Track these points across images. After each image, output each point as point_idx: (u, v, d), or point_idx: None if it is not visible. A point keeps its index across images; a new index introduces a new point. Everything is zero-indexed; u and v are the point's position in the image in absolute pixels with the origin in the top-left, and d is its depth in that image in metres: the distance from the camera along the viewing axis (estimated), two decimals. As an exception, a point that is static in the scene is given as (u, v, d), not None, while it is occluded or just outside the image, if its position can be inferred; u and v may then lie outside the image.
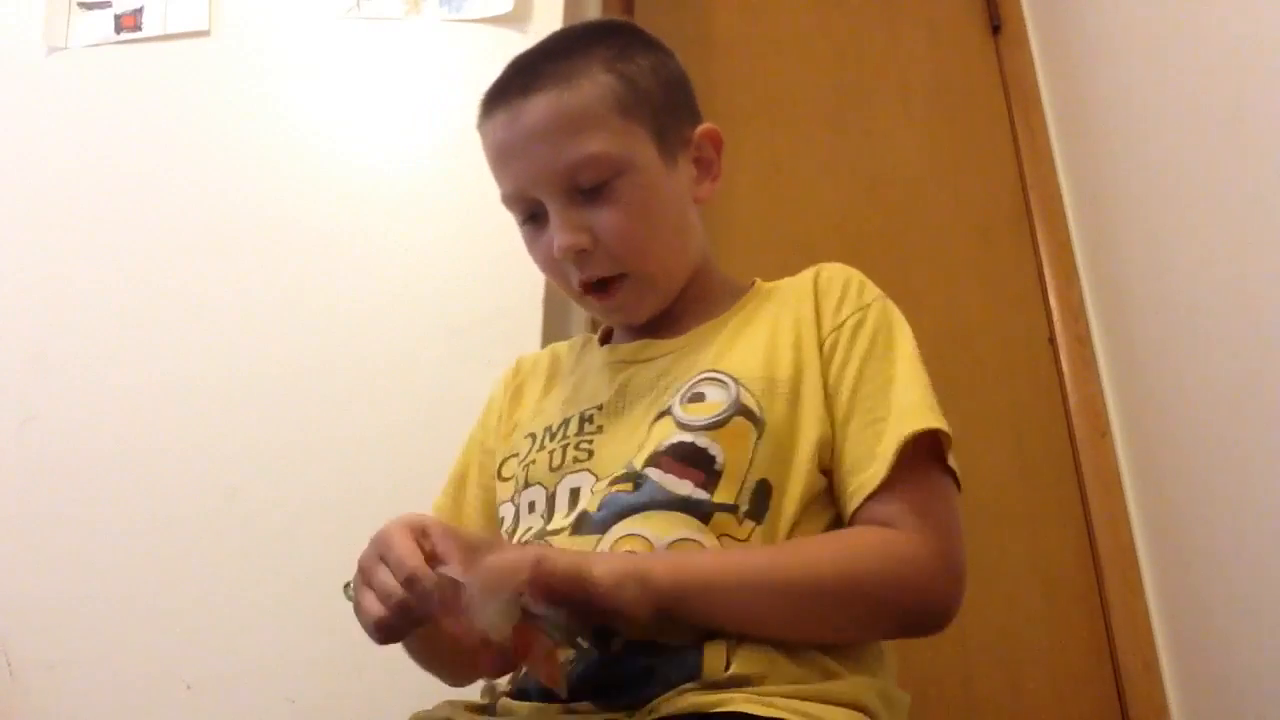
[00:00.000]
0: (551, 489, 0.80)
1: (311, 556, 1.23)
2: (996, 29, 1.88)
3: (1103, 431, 1.52)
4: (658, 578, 0.65)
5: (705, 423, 0.75)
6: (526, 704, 0.69)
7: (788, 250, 1.66)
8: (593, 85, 0.80)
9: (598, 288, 0.83)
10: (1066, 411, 1.57)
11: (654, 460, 0.74)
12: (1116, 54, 1.50)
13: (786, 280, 0.89)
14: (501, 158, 0.84)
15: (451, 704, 0.73)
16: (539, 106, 0.80)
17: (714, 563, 0.69)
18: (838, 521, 0.76)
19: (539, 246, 0.84)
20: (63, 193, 1.46)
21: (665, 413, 0.77)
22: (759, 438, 0.74)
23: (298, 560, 1.24)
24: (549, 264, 0.84)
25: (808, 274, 0.86)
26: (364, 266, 1.38)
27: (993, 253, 1.71)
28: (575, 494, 0.78)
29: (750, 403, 0.76)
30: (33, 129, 1.50)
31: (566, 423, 0.83)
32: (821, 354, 0.79)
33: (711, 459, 0.73)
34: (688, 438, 0.74)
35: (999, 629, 1.41)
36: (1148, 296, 1.41)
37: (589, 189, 0.79)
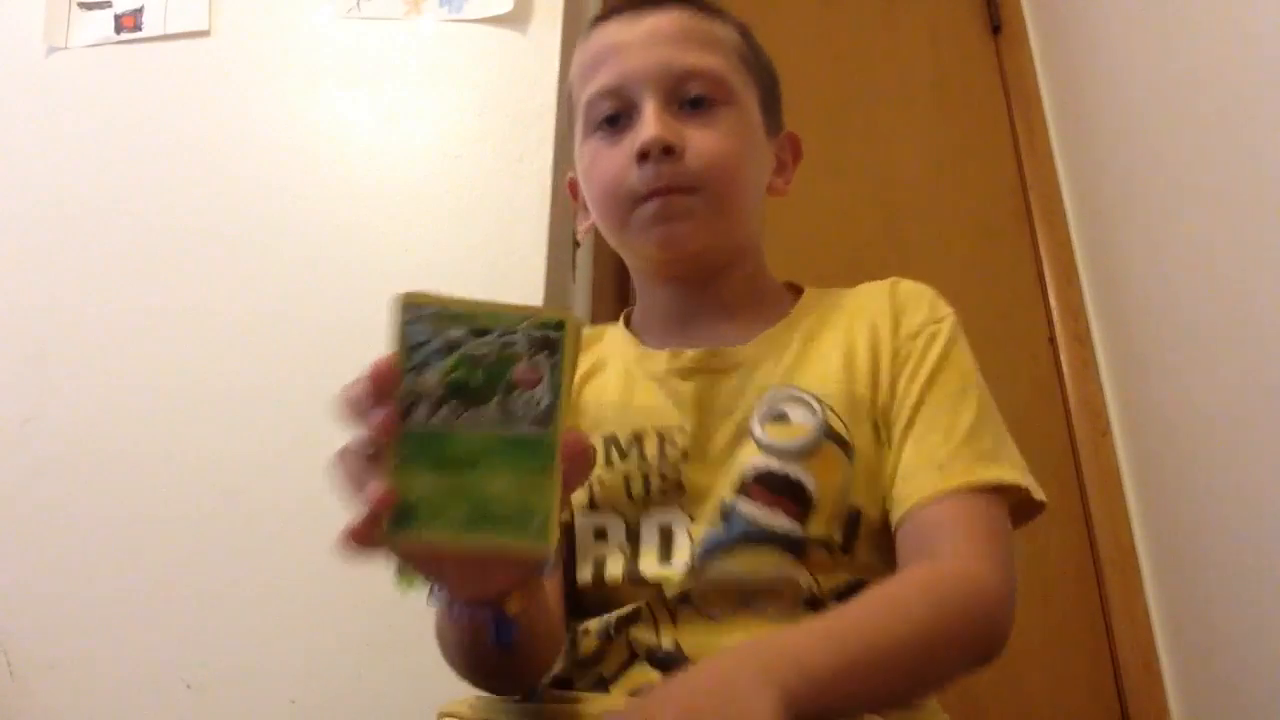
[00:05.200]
0: (634, 523, 0.73)
1: (312, 556, 1.23)
2: (996, 29, 1.89)
3: (1103, 431, 1.52)
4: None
5: (793, 448, 0.71)
6: (571, 693, 0.68)
7: (788, 250, 1.65)
8: (724, 29, 0.81)
9: (665, 193, 0.76)
10: (1066, 411, 1.57)
11: (742, 489, 0.70)
12: (1116, 54, 1.50)
13: (853, 291, 0.84)
14: (607, 54, 0.79)
15: (484, 699, 0.69)
16: (672, 16, 0.79)
17: (838, 674, 0.55)
18: None
19: (611, 152, 0.78)
20: (63, 192, 1.46)
21: (747, 434, 0.73)
22: (850, 464, 0.71)
23: (298, 560, 1.24)
24: (616, 171, 0.77)
25: (882, 286, 0.82)
26: (364, 266, 1.38)
27: (993, 253, 1.71)
28: (667, 534, 0.72)
29: (837, 426, 0.72)
30: (33, 129, 1.50)
31: (639, 440, 0.75)
32: (895, 366, 0.76)
33: (802, 488, 0.70)
34: (776, 465, 0.70)
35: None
36: (1148, 296, 1.41)
37: (693, 101, 0.77)
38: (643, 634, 0.70)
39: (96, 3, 1.54)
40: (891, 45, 1.89)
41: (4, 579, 1.28)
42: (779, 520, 0.68)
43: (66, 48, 1.53)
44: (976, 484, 0.68)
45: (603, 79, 0.78)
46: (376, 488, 0.46)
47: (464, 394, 0.47)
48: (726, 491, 0.70)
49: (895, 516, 0.70)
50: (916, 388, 0.74)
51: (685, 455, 0.74)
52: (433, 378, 0.47)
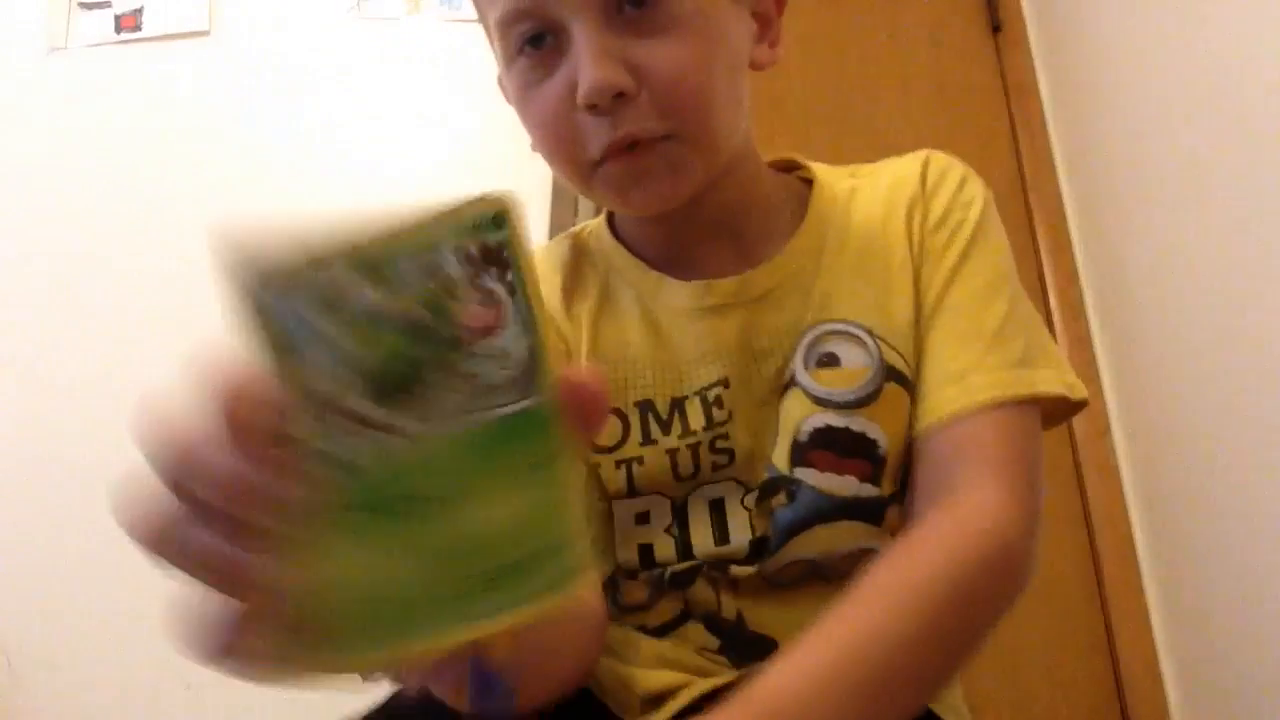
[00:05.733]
0: (680, 500, 0.63)
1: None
2: (996, 29, 1.88)
3: (1102, 431, 1.52)
4: None
5: (852, 398, 0.60)
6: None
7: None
8: None
9: (628, 151, 0.57)
10: (1067, 411, 1.57)
11: (801, 457, 0.60)
12: (1116, 54, 1.50)
13: (878, 174, 0.70)
14: None
15: None
16: None
17: (854, 712, 0.48)
18: None
19: (544, 91, 0.58)
20: (63, 192, 1.46)
21: (790, 383, 0.61)
22: (913, 403, 0.61)
23: (298, 560, 1.24)
24: (556, 119, 0.59)
25: (912, 168, 0.68)
26: (364, 266, 1.38)
27: (993, 253, 1.71)
28: (719, 508, 0.62)
29: (896, 361, 0.61)
30: (33, 129, 1.50)
31: (680, 409, 0.63)
32: (918, 261, 0.64)
33: (873, 443, 0.59)
34: (837, 420, 0.60)
35: (999, 628, 1.41)
36: (1148, 296, 1.41)
37: (635, 6, 0.56)
38: (701, 595, 0.62)
39: (96, 3, 1.54)
40: (891, 45, 1.89)
41: (4, 579, 1.28)
42: (851, 485, 0.59)
43: (66, 48, 1.53)
44: (1001, 399, 0.58)
45: None
46: (283, 575, 0.28)
47: (398, 382, 0.28)
48: (781, 459, 0.60)
49: (915, 442, 0.60)
50: (935, 289, 0.62)
51: (731, 415, 0.62)
52: (337, 376, 0.27)
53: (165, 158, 1.47)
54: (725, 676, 0.59)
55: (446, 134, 1.44)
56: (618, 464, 0.62)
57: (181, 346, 1.31)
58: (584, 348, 0.65)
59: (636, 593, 0.63)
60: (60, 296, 1.41)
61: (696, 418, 0.62)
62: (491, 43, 0.66)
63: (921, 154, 0.69)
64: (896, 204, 0.66)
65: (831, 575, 0.60)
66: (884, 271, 0.64)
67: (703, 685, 0.59)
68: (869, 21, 1.91)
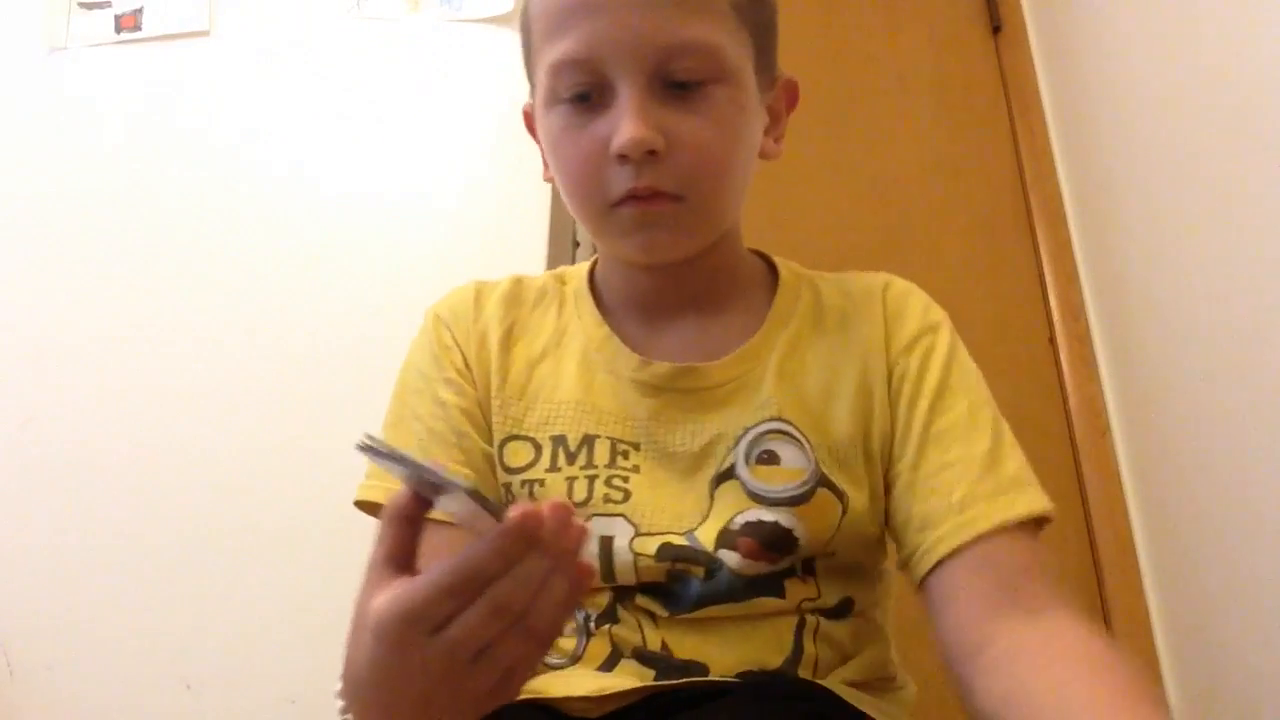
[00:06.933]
0: None
1: (311, 557, 1.23)
2: (996, 29, 1.88)
3: (1103, 431, 1.52)
4: None
5: (785, 496, 0.65)
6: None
7: (788, 251, 1.65)
8: None
9: (645, 198, 0.64)
10: (1066, 411, 1.57)
11: (728, 541, 0.64)
12: (1116, 54, 1.50)
13: (838, 287, 0.75)
14: (575, 10, 0.63)
15: None
16: None
17: None
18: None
19: (582, 136, 0.64)
20: (62, 193, 1.46)
21: (729, 475, 0.67)
22: (843, 514, 0.66)
23: (298, 560, 1.24)
24: (587, 163, 0.64)
25: (874, 288, 0.74)
26: (363, 267, 1.38)
27: (993, 253, 1.71)
28: (608, 543, 0.66)
29: (830, 470, 0.66)
30: (33, 129, 1.50)
31: (590, 444, 0.68)
32: (890, 386, 0.69)
33: (795, 540, 0.65)
34: (768, 516, 0.65)
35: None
36: (1148, 296, 1.41)
37: (679, 84, 0.63)
38: (625, 634, 0.66)
39: (96, 3, 1.54)
40: (891, 45, 1.89)
41: (4, 579, 1.28)
42: (762, 568, 0.65)
43: (66, 48, 1.53)
44: (1002, 524, 0.66)
45: (569, 45, 0.63)
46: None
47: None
48: (706, 537, 0.65)
49: (919, 566, 0.65)
50: (919, 418, 0.68)
51: (636, 469, 0.68)
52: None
53: (165, 158, 1.47)
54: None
55: (446, 133, 1.44)
56: (523, 484, 0.68)
57: (181, 345, 1.32)
58: (510, 384, 0.71)
59: (565, 644, 0.67)
60: (59, 296, 1.41)
61: (602, 456, 0.68)
62: (531, 75, 0.71)
63: (882, 277, 0.75)
64: (852, 326, 0.72)
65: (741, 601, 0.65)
66: (830, 387, 0.69)
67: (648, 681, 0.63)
68: (869, 21, 1.91)
